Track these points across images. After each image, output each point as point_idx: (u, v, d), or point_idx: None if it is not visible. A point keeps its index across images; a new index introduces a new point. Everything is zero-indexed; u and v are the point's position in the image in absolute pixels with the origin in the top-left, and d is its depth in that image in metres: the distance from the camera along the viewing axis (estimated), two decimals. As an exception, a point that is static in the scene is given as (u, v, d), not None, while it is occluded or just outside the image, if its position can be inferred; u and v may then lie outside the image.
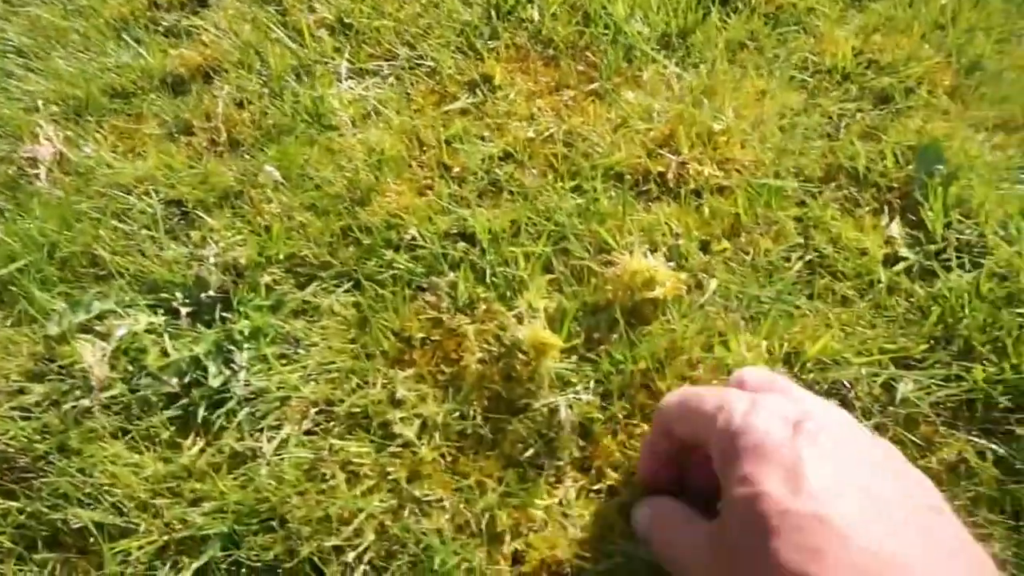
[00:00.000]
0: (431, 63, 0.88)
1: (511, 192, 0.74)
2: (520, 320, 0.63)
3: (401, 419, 0.58)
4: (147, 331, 0.63)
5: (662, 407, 0.48)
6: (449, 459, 0.57)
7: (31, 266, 0.68)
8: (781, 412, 0.40)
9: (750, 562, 0.36)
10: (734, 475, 0.38)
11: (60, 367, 0.62)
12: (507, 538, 0.52)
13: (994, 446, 0.56)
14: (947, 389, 0.59)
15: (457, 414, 0.59)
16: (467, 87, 0.85)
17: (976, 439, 0.57)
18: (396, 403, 0.60)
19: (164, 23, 0.96)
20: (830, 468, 0.37)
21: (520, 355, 0.61)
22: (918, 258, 0.68)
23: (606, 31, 0.89)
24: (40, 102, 0.84)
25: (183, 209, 0.74)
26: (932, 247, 0.68)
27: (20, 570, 0.52)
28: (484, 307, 0.65)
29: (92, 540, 0.53)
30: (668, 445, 0.48)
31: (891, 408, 0.59)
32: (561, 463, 0.57)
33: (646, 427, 0.58)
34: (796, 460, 0.37)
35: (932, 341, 0.62)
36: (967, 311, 0.63)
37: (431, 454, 0.57)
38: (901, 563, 0.34)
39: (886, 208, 0.72)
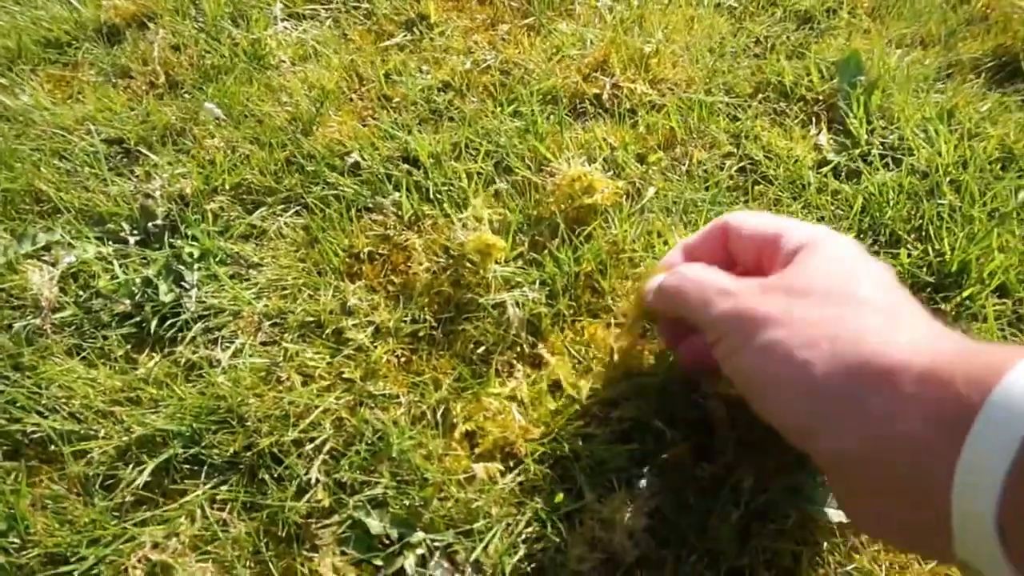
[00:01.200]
0: (367, 5, 0.89)
1: (451, 118, 0.75)
2: (466, 227, 0.64)
3: (353, 326, 0.60)
4: (96, 258, 0.63)
5: (727, 219, 0.51)
6: (403, 360, 0.59)
7: (-28, 205, 0.68)
8: None
9: (842, 281, 0.41)
10: (813, 243, 0.43)
11: (8, 294, 0.62)
12: (462, 423, 0.54)
13: (921, 323, 0.60)
14: (877, 274, 0.62)
15: (409, 318, 0.60)
16: (404, 26, 0.87)
17: (904, 318, 0.60)
18: (348, 312, 0.61)
19: (96, -23, 0.95)
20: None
21: (468, 264, 0.63)
22: (845, 161, 0.71)
23: (538, -32, 0.90)
24: (-30, 53, 0.84)
25: (125, 147, 0.75)
26: (857, 151, 0.72)
27: (-19, 480, 0.53)
28: (430, 222, 0.67)
29: (53, 447, 0.53)
30: (717, 252, 0.51)
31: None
32: (512, 358, 0.59)
33: (589, 321, 0.60)
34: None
35: (860, 232, 0.66)
36: (891, 204, 0.67)
37: (385, 355, 0.58)
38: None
39: (813, 119, 0.76)
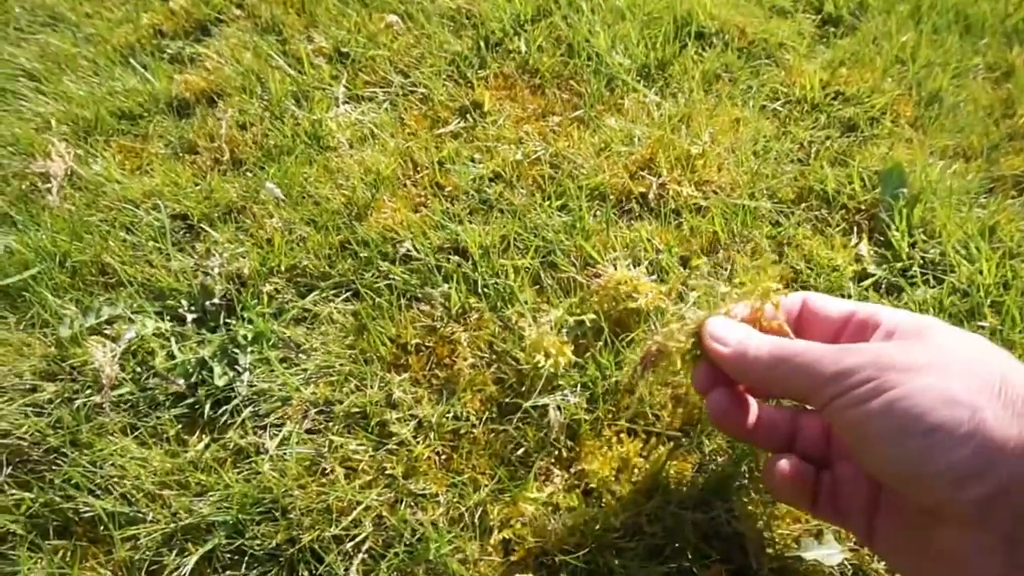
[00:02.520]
0: (424, 90, 0.92)
1: (501, 210, 0.78)
2: (520, 330, 0.66)
3: (397, 419, 0.61)
4: (155, 335, 0.66)
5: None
6: (443, 457, 0.60)
7: (43, 274, 0.71)
8: None
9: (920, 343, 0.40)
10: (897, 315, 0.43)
11: (71, 367, 0.65)
12: (498, 530, 0.55)
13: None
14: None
15: (451, 415, 0.62)
16: (458, 112, 0.90)
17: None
18: (393, 404, 0.63)
19: (169, 51, 1.00)
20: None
21: (511, 361, 0.65)
22: (885, 274, 0.72)
23: (589, 62, 0.94)
24: (53, 121, 0.88)
25: (188, 223, 0.78)
26: (898, 264, 0.73)
27: (32, 557, 0.54)
28: (476, 316, 0.68)
29: (102, 528, 0.55)
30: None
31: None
32: (550, 462, 0.60)
33: (625, 426, 0.61)
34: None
35: (898, 350, 0.66)
36: (930, 322, 0.67)
37: (426, 452, 0.60)
38: None
39: (855, 228, 0.77)
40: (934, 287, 0.71)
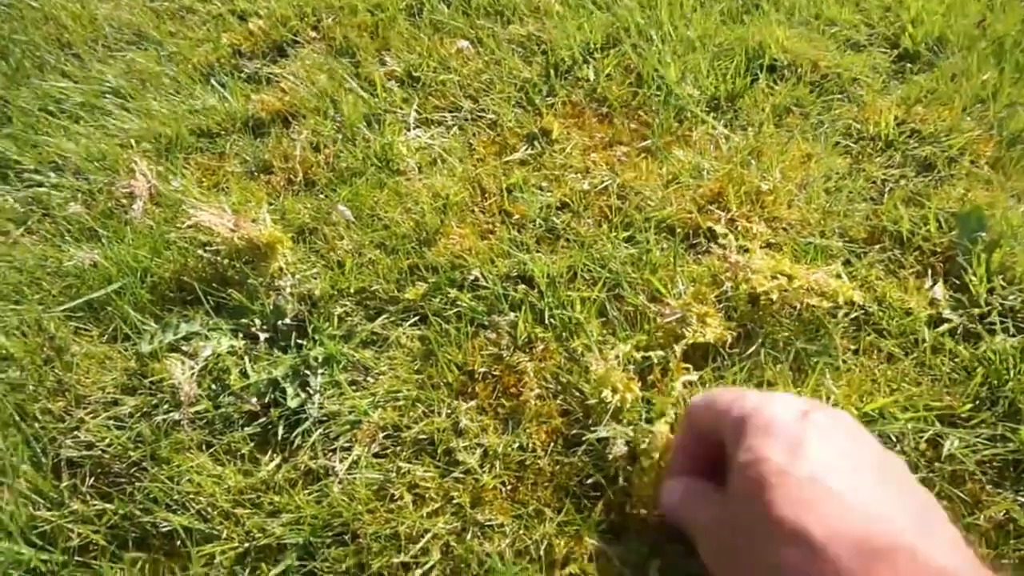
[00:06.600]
0: (492, 116, 0.93)
1: (568, 240, 0.78)
2: (586, 363, 0.66)
3: (464, 447, 0.62)
4: (229, 353, 0.67)
5: (690, 404, 0.53)
6: (509, 487, 0.60)
7: (126, 288, 0.73)
8: (792, 403, 0.46)
9: (751, 519, 0.41)
10: (741, 447, 0.43)
11: (151, 382, 0.67)
12: (562, 565, 0.55)
13: (1042, 507, 0.58)
14: (993, 448, 0.61)
15: (517, 445, 0.62)
16: (526, 139, 0.91)
17: (1024, 499, 0.58)
18: (459, 432, 0.63)
19: (246, 70, 1.03)
20: (828, 446, 0.42)
21: (577, 393, 0.65)
22: (962, 321, 0.70)
23: (658, 92, 0.94)
24: (133, 140, 0.91)
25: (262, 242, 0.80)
26: (976, 311, 0.71)
27: (112, 567, 0.56)
28: (542, 346, 0.69)
29: (179, 543, 0.57)
30: (693, 442, 0.52)
31: (937, 464, 0.61)
32: (615, 495, 0.59)
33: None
34: (799, 437, 0.42)
35: (977, 401, 0.64)
36: (1012, 374, 0.65)
37: (492, 481, 0.60)
38: (886, 517, 0.39)
39: (929, 271, 0.75)
40: (1014, 335, 0.69)
